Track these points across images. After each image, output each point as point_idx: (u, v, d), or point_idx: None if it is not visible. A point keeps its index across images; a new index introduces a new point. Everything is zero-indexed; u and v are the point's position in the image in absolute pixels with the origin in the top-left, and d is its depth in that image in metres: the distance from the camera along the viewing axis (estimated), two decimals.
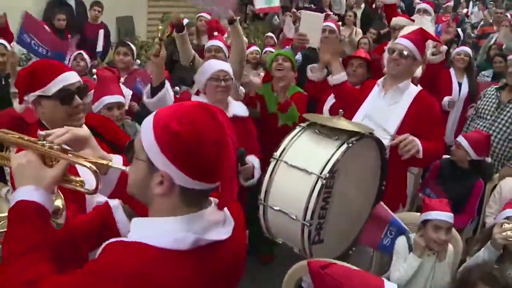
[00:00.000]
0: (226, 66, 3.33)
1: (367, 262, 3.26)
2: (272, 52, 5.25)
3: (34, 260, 1.26)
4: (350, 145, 2.51)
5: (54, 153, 1.40)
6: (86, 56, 5.16)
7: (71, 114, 2.02)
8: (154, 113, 1.27)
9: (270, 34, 7.41)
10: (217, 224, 1.30)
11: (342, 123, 2.64)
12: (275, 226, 2.63)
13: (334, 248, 2.75)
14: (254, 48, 6.10)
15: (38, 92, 1.99)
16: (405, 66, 3.15)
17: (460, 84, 5.21)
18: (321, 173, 2.42)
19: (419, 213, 2.90)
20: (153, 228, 1.25)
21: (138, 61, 6.07)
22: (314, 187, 2.41)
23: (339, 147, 2.50)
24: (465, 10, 14.15)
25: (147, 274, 1.16)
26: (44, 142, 1.40)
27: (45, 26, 5.17)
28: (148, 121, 1.25)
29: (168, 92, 3.24)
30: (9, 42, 4.76)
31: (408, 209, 4.04)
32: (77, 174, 1.58)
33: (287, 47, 5.16)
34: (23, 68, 2.33)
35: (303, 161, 2.50)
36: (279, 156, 2.57)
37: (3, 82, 4.35)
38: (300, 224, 2.44)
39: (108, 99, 3.16)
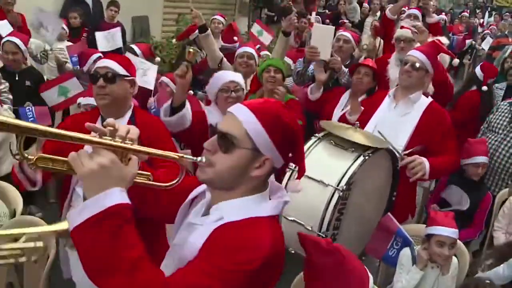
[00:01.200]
0: (237, 77, 3.32)
1: (373, 273, 3.28)
2: (268, 55, 5.23)
3: (153, 263, 1.26)
4: (367, 157, 2.54)
5: (133, 150, 1.31)
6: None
7: None
8: (245, 108, 1.41)
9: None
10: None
11: (359, 137, 2.66)
12: (288, 235, 2.62)
13: None
14: (264, 52, 6.07)
15: None
16: (417, 78, 3.16)
17: None
18: (338, 185, 2.46)
19: (425, 225, 2.92)
20: (253, 203, 1.42)
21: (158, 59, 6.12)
22: (331, 199, 2.45)
23: (356, 159, 2.54)
24: (481, 20, 14.07)
25: (277, 238, 1.37)
26: (116, 139, 1.28)
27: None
28: (248, 115, 1.40)
29: (188, 111, 3.08)
30: (27, 40, 4.81)
31: (416, 221, 4.06)
32: None
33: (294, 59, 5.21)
34: None
35: (319, 173, 2.53)
36: (295, 167, 2.57)
37: (17, 78, 4.44)
38: (315, 235, 2.46)
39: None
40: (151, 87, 4.27)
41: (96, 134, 1.28)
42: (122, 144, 1.28)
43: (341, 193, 2.44)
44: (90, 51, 5.13)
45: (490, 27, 14.90)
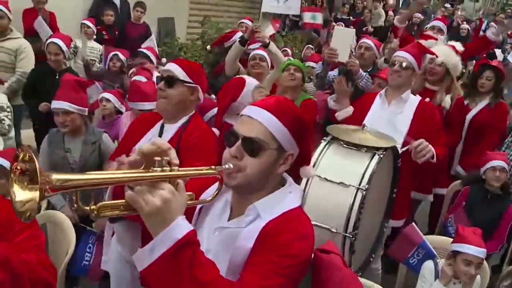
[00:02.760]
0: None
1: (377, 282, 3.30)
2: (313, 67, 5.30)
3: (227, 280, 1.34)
4: (381, 156, 2.59)
5: (182, 176, 1.29)
6: (122, 56, 5.34)
7: None
8: (262, 110, 1.48)
9: (309, 45, 7.47)
10: None
11: (369, 137, 2.73)
12: None
13: (360, 257, 2.79)
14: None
15: None
16: (406, 77, 3.30)
17: None
18: (359, 185, 2.49)
19: (449, 239, 2.91)
20: (283, 197, 1.53)
21: (164, 60, 6.17)
22: (355, 198, 2.48)
23: (371, 158, 2.58)
24: (509, 32, 13.87)
25: (311, 225, 1.53)
26: (163, 168, 1.24)
27: None
28: (268, 117, 1.47)
29: None
30: (69, 41, 4.95)
31: (437, 233, 4.04)
32: None
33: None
34: None
35: (337, 175, 2.56)
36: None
37: (57, 77, 4.56)
38: (341, 236, 2.49)
39: (53, 104, 3.28)
40: None
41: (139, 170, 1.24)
42: (172, 173, 1.25)
43: (364, 192, 2.47)
44: None
45: None
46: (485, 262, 3.01)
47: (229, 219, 1.56)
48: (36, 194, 1.06)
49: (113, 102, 4.18)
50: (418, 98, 3.39)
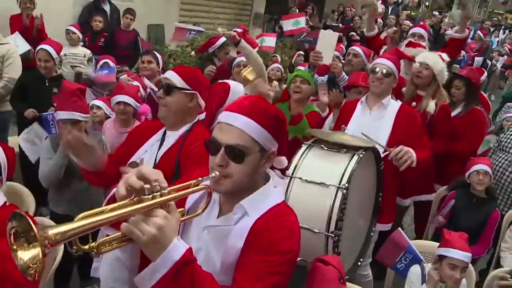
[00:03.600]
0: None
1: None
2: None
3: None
4: (361, 155, 2.62)
5: (173, 198, 1.31)
6: (112, 64, 5.32)
7: None
8: (239, 115, 1.49)
9: (300, 52, 7.51)
10: None
11: (348, 138, 2.81)
12: None
13: (347, 260, 2.79)
14: (276, 65, 6.08)
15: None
16: (387, 83, 3.38)
17: None
18: (339, 184, 2.51)
19: (436, 243, 2.93)
20: (268, 194, 1.57)
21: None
22: (335, 198, 2.50)
23: (351, 158, 2.62)
24: (497, 39, 14.09)
25: (297, 220, 1.59)
26: (154, 193, 1.26)
27: None
28: (246, 121, 1.49)
29: None
30: (60, 48, 4.89)
31: (424, 238, 4.06)
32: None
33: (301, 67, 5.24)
34: None
35: (318, 176, 2.58)
36: (292, 173, 2.64)
37: (47, 84, 4.55)
38: (323, 236, 2.50)
39: (60, 115, 3.24)
40: None
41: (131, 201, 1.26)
42: (163, 198, 1.27)
43: (344, 191, 2.49)
44: None
45: (504, 45, 14.92)
46: (471, 266, 3.03)
47: (218, 217, 1.59)
48: (37, 252, 1.07)
49: (104, 109, 4.16)
50: (398, 103, 3.47)
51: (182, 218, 1.40)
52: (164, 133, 2.59)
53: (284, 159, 1.69)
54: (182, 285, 1.24)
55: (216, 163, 1.47)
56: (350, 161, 2.60)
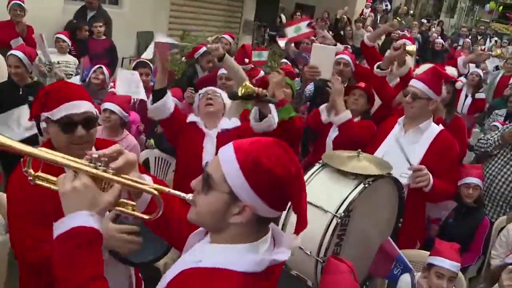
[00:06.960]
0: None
1: None
2: None
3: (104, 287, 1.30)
4: (367, 185, 2.59)
5: (111, 178, 1.35)
6: (105, 70, 5.26)
7: (73, 143, 1.93)
8: (230, 146, 1.29)
9: (285, 60, 7.49)
10: (271, 246, 1.37)
11: (364, 164, 2.74)
12: (291, 259, 2.67)
13: None
14: (262, 73, 6.07)
15: (46, 114, 1.94)
16: (419, 108, 3.22)
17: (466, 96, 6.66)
18: (336, 212, 2.51)
19: (427, 252, 2.93)
20: (231, 254, 1.29)
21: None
22: (329, 225, 2.49)
23: (356, 187, 2.59)
24: (483, 47, 14.24)
25: None
26: (98, 164, 1.34)
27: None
28: (229, 154, 1.27)
29: (169, 99, 3.34)
30: (34, 54, 4.74)
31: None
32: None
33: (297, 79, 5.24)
34: (46, 86, 2.41)
35: (320, 199, 2.58)
36: (284, 221, 2.58)
37: (21, 92, 4.38)
38: (314, 259, 2.51)
39: None
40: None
41: (81, 160, 1.36)
42: (94, 171, 1.34)
43: (339, 220, 2.48)
44: None
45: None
46: (461, 274, 3.05)
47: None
48: None
49: (118, 113, 4.09)
50: (438, 128, 3.30)
51: (118, 208, 1.46)
52: None
53: (294, 237, 1.38)
54: (63, 252, 1.28)
55: (191, 185, 1.35)
56: (353, 190, 2.58)
